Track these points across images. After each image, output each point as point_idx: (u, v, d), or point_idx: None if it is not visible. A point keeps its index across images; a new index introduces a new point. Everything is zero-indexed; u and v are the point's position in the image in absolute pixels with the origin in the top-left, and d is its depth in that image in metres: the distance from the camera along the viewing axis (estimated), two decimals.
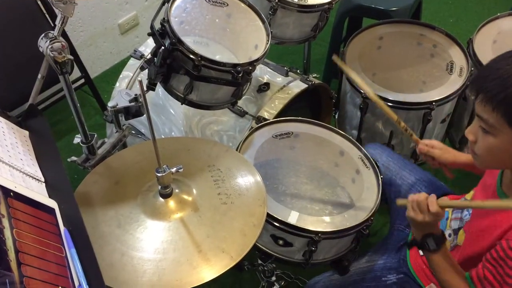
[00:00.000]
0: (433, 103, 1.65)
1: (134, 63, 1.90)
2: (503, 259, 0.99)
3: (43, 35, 1.12)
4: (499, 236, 1.04)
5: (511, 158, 1.00)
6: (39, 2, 2.04)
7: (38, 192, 0.97)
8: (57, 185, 1.02)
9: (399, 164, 1.55)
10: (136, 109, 1.36)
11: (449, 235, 1.26)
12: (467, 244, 1.18)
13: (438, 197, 1.41)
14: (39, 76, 1.28)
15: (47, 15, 2.07)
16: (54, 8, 1.11)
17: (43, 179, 1.02)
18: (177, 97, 1.48)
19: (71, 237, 0.92)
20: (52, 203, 0.97)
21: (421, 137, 1.78)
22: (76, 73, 2.33)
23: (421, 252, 1.33)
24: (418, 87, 1.83)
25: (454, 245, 1.24)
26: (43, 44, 1.12)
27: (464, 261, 1.17)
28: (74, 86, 2.33)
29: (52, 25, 1.15)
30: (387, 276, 1.36)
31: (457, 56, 1.82)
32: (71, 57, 1.14)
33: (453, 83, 1.73)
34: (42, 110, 2.25)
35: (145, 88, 1.46)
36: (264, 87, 1.74)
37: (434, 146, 1.38)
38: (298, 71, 1.92)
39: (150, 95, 1.79)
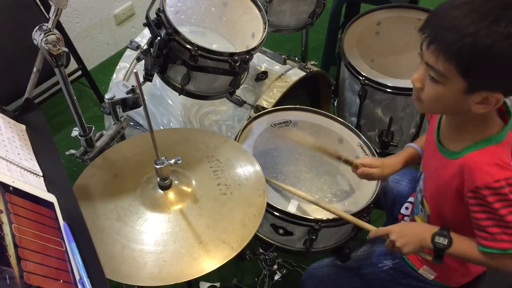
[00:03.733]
0: None
1: (130, 54, 1.89)
2: (488, 207, 1.01)
3: (37, 27, 1.11)
4: (456, 192, 1.07)
5: (457, 105, 0.99)
6: None
7: (36, 186, 0.96)
8: (55, 179, 1.02)
9: None
10: (133, 100, 1.36)
11: (421, 210, 1.27)
12: (434, 210, 1.19)
13: None
14: (35, 69, 1.27)
15: (41, 7, 2.06)
16: None
17: (41, 173, 1.02)
18: (174, 88, 1.47)
19: (71, 231, 0.92)
20: (51, 197, 0.97)
21: (421, 123, 1.77)
22: (73, 65, 2.31)
23: None
24: None
25: (427, 217, 1.24)
26: (38, 36, 1.10)
27: (441, 224, 1.18)
28: (71, 78, 2.32)
29: (47, 17, 1.14)
30: (383, 262, 1.37)
31: None
32: (66, 50, 1.12)
33: None
34: (40, 103, 2.25)
35: (142, 79, 1.45)
36: (262, 76, 1.72)
37: (371, 164, 1.32)
38: (296, 58, 1.90)
39: (148, 86, 1.78)
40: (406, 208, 1.44)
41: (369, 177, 1.33)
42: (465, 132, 1.06)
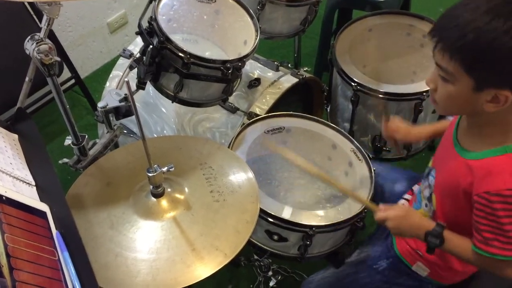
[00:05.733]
0: (424, 94, 1.65)
1: (123, 62, 1.89)
2: (492, 214, 1.01)
3: (29, 37, 1.11)
4: (464, 191, 1.07)
5: (469, 104, 1.01)
6: (26, 4, 2.03)
7: (29, 196, 0.96)
8: (48, 188, 1.02)
9: (379, 168, 1.57)
10: (126, 108, 1.36)
11: (426, 205, 1.27)
12: (442, 205, 1.20)
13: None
14: (27, 79, 1.27)
15: (34, 17, 2.06)
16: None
17: (33, 183, 1.02)
18: (167, 96, 1.48)
19: (64, 240, 0.92)
20: (44, 207, 0.97)
21: None
22: (66, 73, 2.32)
23: None
24: (409, 77, 1.83)
25: (432, 212, 1.25)
26: (30, 46, 1.11)
27: (445, 220, 1.18)
28: (64, 86, 2.32)
29: (40, 26, 1.14)
30: (377, 263, 1.38)
31: None
32: (59, 59, 1.13)
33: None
34: (34, 112, 2.24)
35: (134, 88, 1.46)
36: (255, 83, 1.73)
37: (398, 130, 1.40)
38: (289, 65, 1.91)
39: (141, 94, 1.78)
40: (403, 204, 1.43)
41: (392, 138, 1.42)
42: (484, 135, 1.07)
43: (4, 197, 0.89)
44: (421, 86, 1.69)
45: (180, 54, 1.35)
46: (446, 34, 0.95)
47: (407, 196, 1.46)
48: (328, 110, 2.03)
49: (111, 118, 1.40)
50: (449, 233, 1.13)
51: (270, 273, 1.68)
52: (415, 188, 1.45)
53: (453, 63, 0.95)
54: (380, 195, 1.53)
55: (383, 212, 1.21)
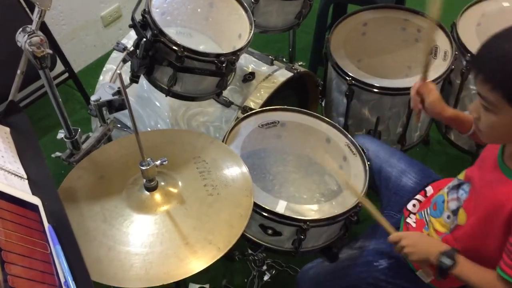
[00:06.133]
0: None
1: (117, 56, 1.88)
2: None
3: (20, 29, 1.10)
4: (508, 215, 1.04)
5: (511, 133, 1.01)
6: None
7: (21, 189, 0.96)
8: (40, 182, 1.01)
9: (388, 153, 1.55)
10: (119, 102, 1.35)
11: (448, 217, 1.25)
12: (473, 223, 1.17)
13: (428, 183, 1.43)
14: (19, 71, 1.26)
15: (27, 9, 2.04)
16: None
17: (25, 176, 1.01)
18: (161, 89, 1.47)
19: (56, 234, 0.91)
20: (36, 200, 0.96)
21: (407, 123, 1.78)
22: (60, 67, 2.30)
23: None
24: (404, 72, 1.83)
25: (454, 226, 1.22)
26: (21, 38, 1.10)
27: (470, 239, 1.18)
28: (58, 80, 2.31)
29: (32, 18, 1.13)
30: (378, 261, 1.36)
31: (441, 40, 1.82)
32: (50, 51, 1.12)
33: (438, 68, 1.73)
34: (27, 105, 2.23)
35: (128, 81, 1.45)
36: (249, 77, 1.72)
37: (431, 91, 1.34)
38: (284, 59, 1.91)
39: (134, 87, 1.77)
40: (414, 205, 1.41)
41: (419, 97, 1.35)
42: None
43: None
44: (415, 80, 1.68)
45: (174, 47, 1.34)
46: (485, 66, 0.95)
47: (418, 196, 1.42)
48: (323, 104, 2.02)
49: (104, 112, 1.39)
50: (463, 258, 1.13)
51: (265, 267, 1.68)
52: (428, 189, 1.42)
53: (494, 94, 0.95)
54: (384, 183, 1.51)
55: (398, 232, 1.21)
